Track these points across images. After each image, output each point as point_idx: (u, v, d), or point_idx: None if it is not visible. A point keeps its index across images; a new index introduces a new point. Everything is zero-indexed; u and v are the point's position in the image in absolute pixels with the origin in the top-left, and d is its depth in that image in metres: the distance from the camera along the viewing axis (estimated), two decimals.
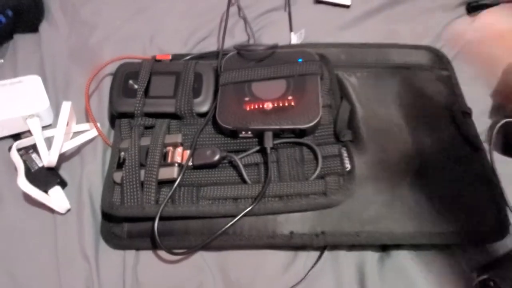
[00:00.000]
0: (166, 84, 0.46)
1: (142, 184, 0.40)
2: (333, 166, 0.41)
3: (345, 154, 0.41)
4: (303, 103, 0.42)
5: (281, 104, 0.42)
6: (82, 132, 0.47)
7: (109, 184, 0.41)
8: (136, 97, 0.45)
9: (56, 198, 0.42)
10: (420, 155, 0.42)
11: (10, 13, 0.54)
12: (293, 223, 0.39)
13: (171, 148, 0.42)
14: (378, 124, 0.44)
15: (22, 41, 0.55)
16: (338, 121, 0.43)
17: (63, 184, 0.43)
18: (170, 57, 0.49)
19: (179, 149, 0.42)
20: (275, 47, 0.47)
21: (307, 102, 0.42)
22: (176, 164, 0.41)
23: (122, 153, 0.43)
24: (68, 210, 0.42)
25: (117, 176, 0.41)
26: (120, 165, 0.42)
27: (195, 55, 0.51)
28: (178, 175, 0.40)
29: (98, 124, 0.47)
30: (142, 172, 0.41)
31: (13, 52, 0.54)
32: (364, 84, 0.47)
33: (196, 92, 0.45)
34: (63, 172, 0.45)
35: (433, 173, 0.41)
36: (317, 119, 0.41)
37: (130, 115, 0.45)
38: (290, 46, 0.52)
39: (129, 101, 0.45)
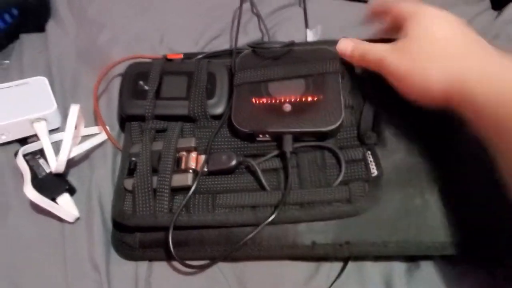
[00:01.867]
0: (178, 85, 0.44)
1: (154, 191, 0.38)
2: (357, 171, 0.38)
3: (370, 158, 0.38)
4: (324, 104, 0.40)
5: (300, 105, 0.40)
6: (91, 135, 0.45)
7: (120, 192, 0.39)
8: (147, 99, 0.42)
9: (65, 206, 0.40)
10: (452, 159, 0.39)
11: (16, 12, 0.52)
12: (315, 232, 0.36)
13: (184, 153, 0.40)
14: (404, 125, 0.41)
15: (28, 41, 0.53)
16: (361, 122, 0.40)
17: (71, 190, 0.41)
18: (182, 56, 0.47)
19: (193, 154, 0.40)
20: (291, 44, 0.44)
21: (328, 103, 0.40)
22: (190, 171, 0.39)
23: (133, 159, 0.41)
24: (77, 219, 0.40)
25: (128, 183, 0.39)
26: (131, 171, 0.40)
27: (208, 53, 0.48)
28: (193, 182, 0.38)
29: (108, 128, 0.45)
30: (155, 179, 0.39)
31: (19, 52, 0.52)
32: (385, 85, 0.44)
33: (210, 93, 0.43)
34: (72, 178, 0.43)
35: (466, 179, 0.38)
36: (340, 121, 0.39)
37: (140, 118, 0.43)
38: (308, 43, 0.50)
39: (140, 103, 0.43)
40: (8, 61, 0.52)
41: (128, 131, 0.43)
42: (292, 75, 0.42)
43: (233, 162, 0.39)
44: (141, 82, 0.44)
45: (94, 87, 0.45)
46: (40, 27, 0.54)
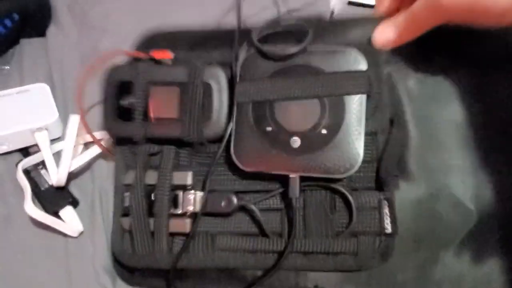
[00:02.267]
0: (168, 101, 0.37)
1: (152, 232, 0.37)
2: (369, 221, 0.34)
3: (386, 209, 0.34)
4: (340, 141, 0.33)
5: (311, 140, 0.34)
6: (93, 143, 0.44)
7: (118, 230, 0.38)
8: (135, 121, 0.37)
9: (68, 220, 0.39)
10: (480, 209, 0.34)
11: (16, 16, 0.51)
12: (318, 276, 0.36)
13: (181, 191, 0.37)
14: (435, 159, 0.35)
15: (28, 47, 0.52)
16: (384, 156, 0.34)
17: (74, 203, 0.41)
18: (171, 57, 0.40)
19: (191, 196, 0.37)
20: (314, 24, 0.36)
21: (345, 140, 0.33)
22: (188, 216, 0.37)
23: (127, 194, 0.38)
24: (81, 233, 0.39)
25: (125, 222, 0.38)
26: (126, 208, 0.38)
27: (201, 31, 0.43)
28: (191, 227, 0.36)
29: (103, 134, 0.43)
30: (152, 220, 0.37)
31: (20, 58, 0.51)
32: (426, 92, 0.36)
33: (206, 112, 0.36)
34: (74, 189, 0.42)
35: (493, 236, 0.34)
36: (357, 166, 0.33)
37: (130, 140, 0.38)
38: (330, 23, 0.39)
39: (127, 126, 0.38)
40: (8, 67, 0.51)
41: (119, 157, 0.40)
42: (305, 94, 0.34)
43: (232, 207, 0.36)
44: (125, 101, 0.38)
45: (76, 95, 0.42)
46: (40, 32, 0.52)
